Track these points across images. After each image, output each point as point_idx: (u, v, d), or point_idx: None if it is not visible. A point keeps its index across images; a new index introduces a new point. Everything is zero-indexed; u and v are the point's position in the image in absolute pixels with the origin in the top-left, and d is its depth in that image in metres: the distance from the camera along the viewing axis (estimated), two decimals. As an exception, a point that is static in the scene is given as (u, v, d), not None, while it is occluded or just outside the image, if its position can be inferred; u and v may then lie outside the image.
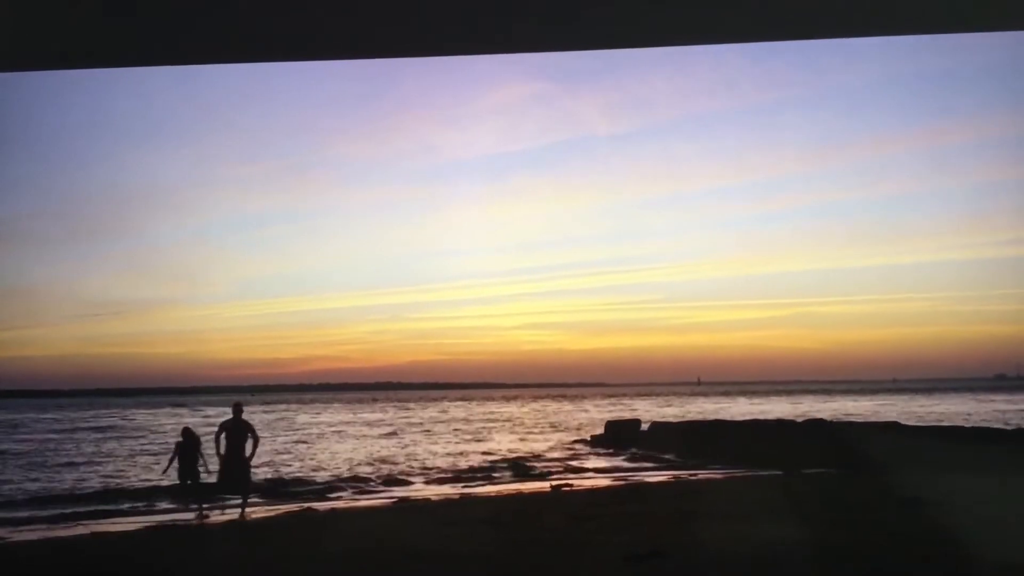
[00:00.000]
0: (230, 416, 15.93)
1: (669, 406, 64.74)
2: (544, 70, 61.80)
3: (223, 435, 15.76)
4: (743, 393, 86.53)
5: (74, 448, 35.84)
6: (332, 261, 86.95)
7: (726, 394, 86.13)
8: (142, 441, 39.71)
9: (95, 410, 67.79)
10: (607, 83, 61.98)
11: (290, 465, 28.63)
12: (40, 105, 67.04)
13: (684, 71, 63.31)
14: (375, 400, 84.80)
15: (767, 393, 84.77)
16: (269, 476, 25.04)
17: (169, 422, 51.85)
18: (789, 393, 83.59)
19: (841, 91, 63.37)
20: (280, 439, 38.94)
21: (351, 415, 60.10)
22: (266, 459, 29.34)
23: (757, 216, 75.94)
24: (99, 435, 43.47)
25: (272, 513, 17.74)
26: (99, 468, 28.01)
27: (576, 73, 73.07)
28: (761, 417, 41.95)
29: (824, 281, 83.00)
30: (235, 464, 15.86)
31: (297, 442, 37.56)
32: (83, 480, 25.08)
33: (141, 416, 60.00)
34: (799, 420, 33.27)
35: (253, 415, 59.22)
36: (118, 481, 24.71)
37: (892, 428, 31.77)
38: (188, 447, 17.46)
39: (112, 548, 14.09)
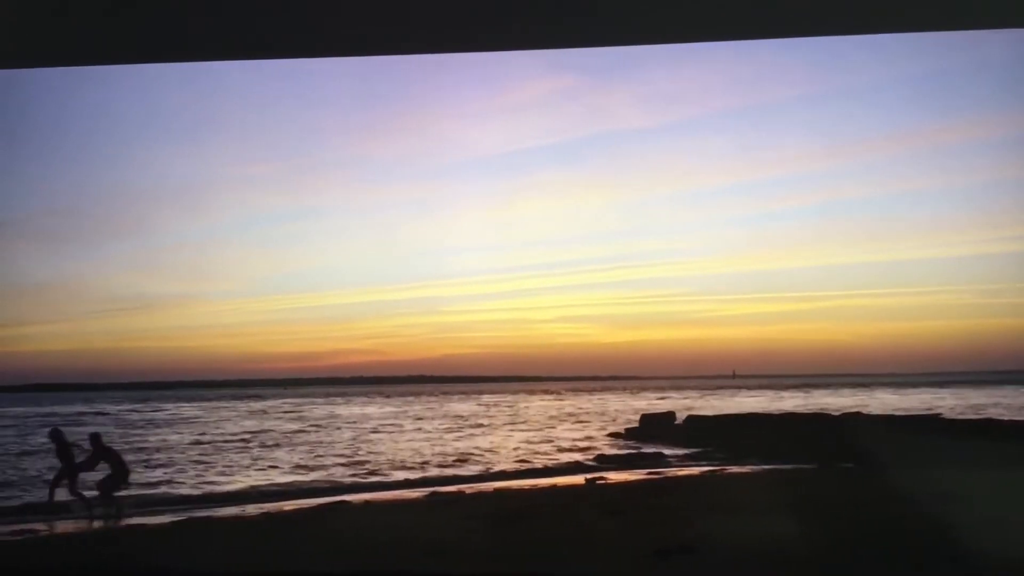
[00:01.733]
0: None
1: (703, 399, 64.40)
2: (572, 64, 61.46)
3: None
4: (778, 387, 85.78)
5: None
6: (363, 256, 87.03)
7: (761, 387, 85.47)
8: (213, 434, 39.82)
9: (146, 403, 68.39)
10: (636, 77, 61.60)
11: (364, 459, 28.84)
12: (56, 103, 67.62)
13: (714, 65, 62.60)
14: (419, 394, 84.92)
15: (803, 387, 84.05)
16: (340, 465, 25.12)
17: (231, 415, 52.62)
18: (826, 387, 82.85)
19: (876, 85, 62.53)
20: (345, 433, 39.08)
21: (394, 408, 60.29)
22: (345, 451, 29.69)
23: (793, 209, 75.14)
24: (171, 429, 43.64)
25: (306, 506, 17.86)
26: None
27: (605, 68, 72.46)
28: (797, 410, 41.66)
29: (861, 274, 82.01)
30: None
31: (359, 437, 37.56)
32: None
33: (190, 410, 60.45)
34: (835, 413, 33.03)
35: (293, 408, 59.72)
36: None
37: (931, 421, 31.46)
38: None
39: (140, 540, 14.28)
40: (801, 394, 68.64)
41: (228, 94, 68.76)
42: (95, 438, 17.96)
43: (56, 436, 17.74)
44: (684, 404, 54.91)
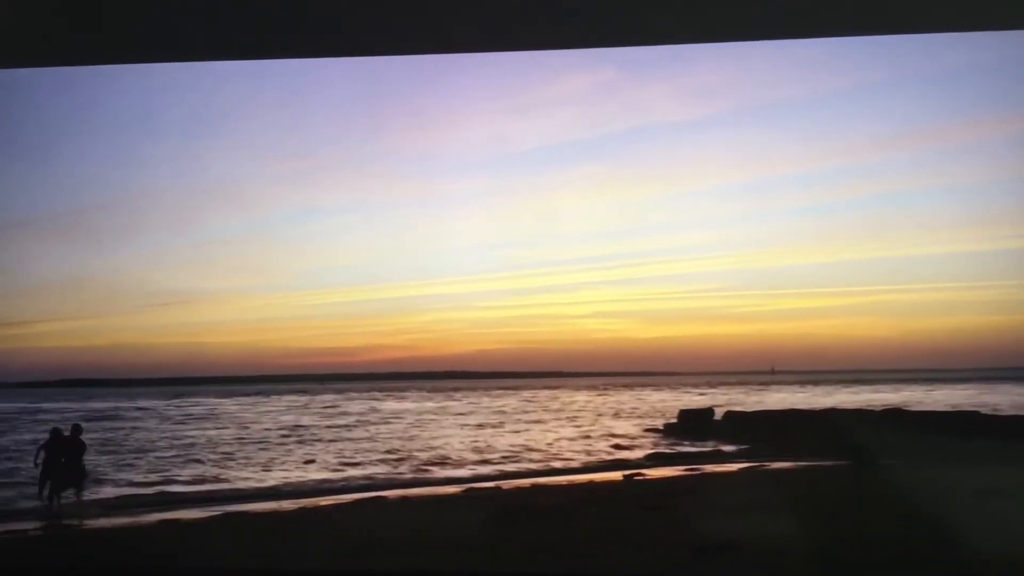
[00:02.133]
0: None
1: (743, 395, 63.95)
2: (608, 59, 61.21)
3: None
4: (818, 382, 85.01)
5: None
6: (395, 251, 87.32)
7: (801, 383, 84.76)
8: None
9: (184, 399, 68.99)
10: (673, 71, 61.28)
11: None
12: (95, 101, 68.45)
13: (750, 60, 62.20)
14: (455, 389, 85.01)
15: (843, 382, 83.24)
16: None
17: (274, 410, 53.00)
18: (866, 382, 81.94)
19: (921, 78, 61.80)
20: (384, 428, 39.18)
21: (433, 403, 60.40)
22: (385, 446, 29.88)
23: (831, 203, 74.40)
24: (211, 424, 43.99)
25: (343, 501, 17.86)
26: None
27: (641, 61, 72.22)
28: (837, 407, 41.23)
29: (902, 269, 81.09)
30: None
31: (399, 432, 37.62)
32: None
33: (230, 405, 60.89)
34: (876, 409, 32.63)
35: (331, 403, 60.01)
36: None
37: (971, 418, 30.94)
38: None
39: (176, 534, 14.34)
40: (841, 390, 67.98)
41: (268, 92, 69.26)
42: (77, 429, 18.02)
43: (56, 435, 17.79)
44: (723, 400, 54.55)
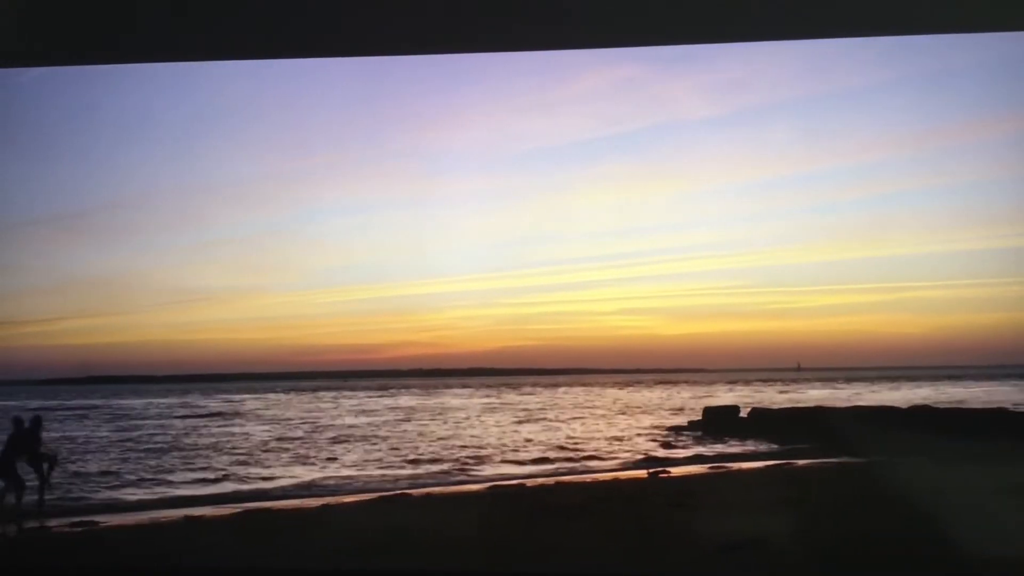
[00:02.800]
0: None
1: (768, 392, 63.59)
2: (632, 54, 60.92)
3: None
4: (844, 379, 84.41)
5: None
6: (421, 248, 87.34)
7: (827, 380, 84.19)
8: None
9: (210, 396, 69.32)
10: (698, 67, 60.87)
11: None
12: (130, 99, 68.87)
13: (777, 55, 61.70)
14: (479, 386, 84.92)
15: (870, 379, 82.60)
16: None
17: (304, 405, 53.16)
18: (893, 379, 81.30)
19: (943, 73, 61.13)
20: (410, 425, 39.23)
21: (460, 400, 60.33)
22: (411, 443, 30.01)
23: (855, 200, 73.65)
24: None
25: (367, 499, 17.86)
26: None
27: (666, 56, 71.86)
28: (863, 403, 40.92)
29: (929, 265, 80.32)
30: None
31: (425, 430, 37.65)
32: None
33: (253, 402, 61.08)
34: (903, 407, 32.32)
35: (358, 400, 60.11)
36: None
37: (1001, 415, 30.60)
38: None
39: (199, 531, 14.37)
40: (868, 387, 67.52)
41: (284, 89, 69.40)
42: (37, 422, 17.13)
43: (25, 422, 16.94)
44: (748, 396, 54.28)
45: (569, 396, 63.96)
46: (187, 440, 32.81)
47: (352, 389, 78.93)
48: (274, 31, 3.74)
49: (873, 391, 61.09)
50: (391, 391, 74.99)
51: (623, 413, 46.06)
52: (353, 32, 3.73)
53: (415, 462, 25.77)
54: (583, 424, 39.08)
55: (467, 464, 24.98)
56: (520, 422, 40.98)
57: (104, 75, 69.45)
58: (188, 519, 15.68)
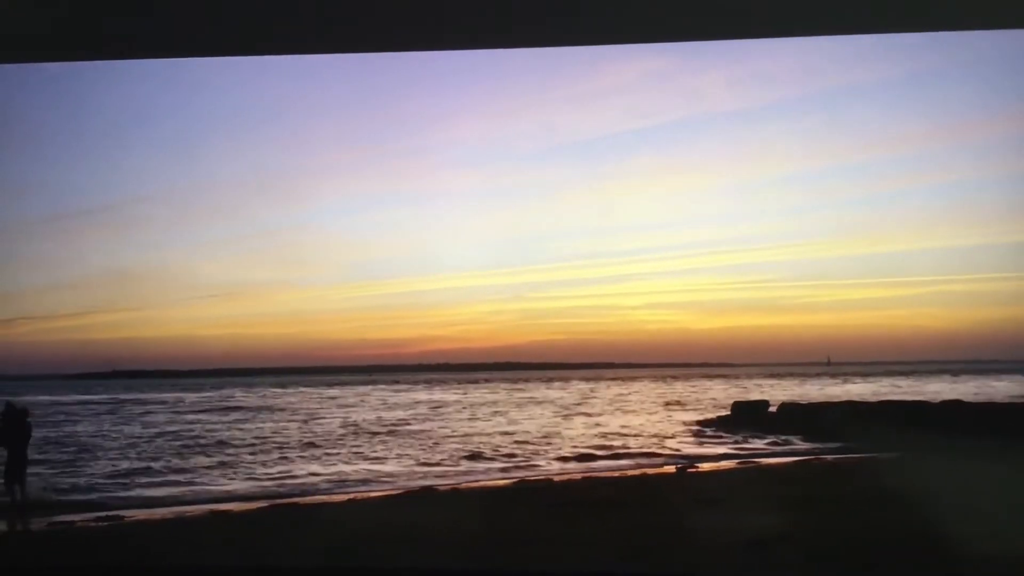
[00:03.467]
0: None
1: (797, 387, 63.16)
2: (663, 46, 60.64)
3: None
4: (874, 374, 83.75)
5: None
6: (449, 242, 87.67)
7: (857, 375, 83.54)
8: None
9: (248, 390, 69.67)
10: (729, 59, 60.57)
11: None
12: (156, 93, 69.50)
13: (808, 48, 61.20)
14: (508, 380, 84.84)
15: (900, 373, 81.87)
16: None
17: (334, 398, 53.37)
18: (923, 373, 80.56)
19: (974, 66, 60.50)
20: (440, 420, 39.30)
21: (489, 395, 60.38)
22: (442, 438, 30.17)
23: (886, 194, 73.12)
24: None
25: (393, 493, 17.84)
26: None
27: (697, 49, 71.63)
28: (893, 398, 40.54)
29: (964, 258, 79.53)
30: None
31: (455, 425, 37.67)
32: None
33: (290, 397, 61.33)
34: (934, 401, 31.96)
35: (383, 394, 60.24)
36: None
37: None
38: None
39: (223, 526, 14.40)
40: (899, 381, 66.89)
41: (324, 85, 69.79)
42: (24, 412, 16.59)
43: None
44: (778, 391, 53.97)
45: (597, 391, 63.80)
46: (223, 435, 32.84)
47: (379, 384, 79.11)
48: (302, 24, 3.71)
49: (903, 385, 60.45)
50: (419, 385, 75.09)
51: (652, 408, 45.87)
52: (382, 26, 3.72)
53: (446, 456, 25.72)
54: (611, 419, 38.94)
55: (492, 458, 24.91)
56: (547, 416, 40.87)
57: (130, 71, 70.09)
58: (213, 513, 15.72)
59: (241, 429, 35.56)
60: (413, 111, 74.12)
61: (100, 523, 15.08)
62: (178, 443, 29.94)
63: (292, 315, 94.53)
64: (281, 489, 19.45)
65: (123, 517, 15.62)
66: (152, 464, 24.24)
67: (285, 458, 25.53)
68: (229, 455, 26.45)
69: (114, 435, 33.47)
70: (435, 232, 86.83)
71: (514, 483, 19.37)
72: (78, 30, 3.66)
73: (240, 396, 62.37)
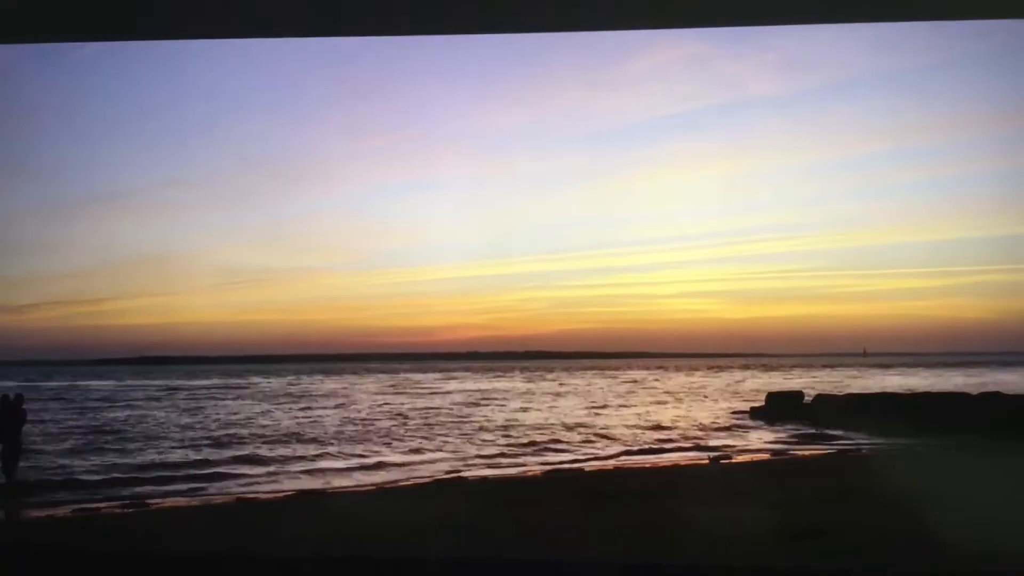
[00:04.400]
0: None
1: (833, 378, 62.57)
2: (697, 31, 60.13)
3: None
4: (912, 365, 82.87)
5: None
6: (479, 230, 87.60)
7: (894, 366, 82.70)
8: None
9: (281, 377, 70.02)
10: (764, 44, 59.95)
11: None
12: (191, 77, 69.86)
13: (843, 33, 60.40)
14: (540, 369, 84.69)
15: (938, 365, 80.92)
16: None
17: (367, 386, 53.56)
18: (962, 365, 79.52)
19: (1012, 52, 59.38)
20: (472, 408, 39.29)
21: (526, 384, 60.34)
22: (473, 424, 30.19)
23: (925, 182, 72.12)
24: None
25: (423, 482, 17.78)
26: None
27: (731, 34, 71.03)
28: (932, 390, 40.04)
29: (1003, 248, 78.35)
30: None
31: (488, 412, 37.69)
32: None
33: (329, 383, 61.60)
34: (973, 393, 31.44)
35: (412, 381, 60.35)
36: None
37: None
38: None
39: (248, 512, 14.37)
40: (937, 372, 66.13)
41: (349, 70, 69.79)
42: (19, 399, 16.72)
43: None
44: (813, 382, 53.53)
45: (628, 380, 63.55)
46: (261, 422, 32.96)
47: (411, 371, 79.24)
48: (340, 6, 3.63)
49: (942, 376, 59.75)
50: (454, 374, 75.06)
51: (684, 398, 45.60)
52: (432, 10, 3.64)
53: (472, 444, 25.65)
54: (645, 409, 38.75)
55: (524, 447, 24.81)
56: (579, 406, 40.70)
57: (164, 53, 70.42)
58: (240, 500, 15.72)
59: (278, 417, 35.75)
60: (434, 99, 73.95)
61: (126, 509, 15.12)
62: (213, 432, 30.09)
63: (325, 301, 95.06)
64: (314, 475, 19.48)
65: (148, 503, 15.69)
66: (189, 454, 24.05)
67: (320, 445, 25.52)
68: (270, 442, 26.42)
69: (151, 421, 33.70)
70: (466, 220, 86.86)
71: (545, 472, 19.25)
72: (111, 8, 3.60)
73: (274, 381, 62.79)
